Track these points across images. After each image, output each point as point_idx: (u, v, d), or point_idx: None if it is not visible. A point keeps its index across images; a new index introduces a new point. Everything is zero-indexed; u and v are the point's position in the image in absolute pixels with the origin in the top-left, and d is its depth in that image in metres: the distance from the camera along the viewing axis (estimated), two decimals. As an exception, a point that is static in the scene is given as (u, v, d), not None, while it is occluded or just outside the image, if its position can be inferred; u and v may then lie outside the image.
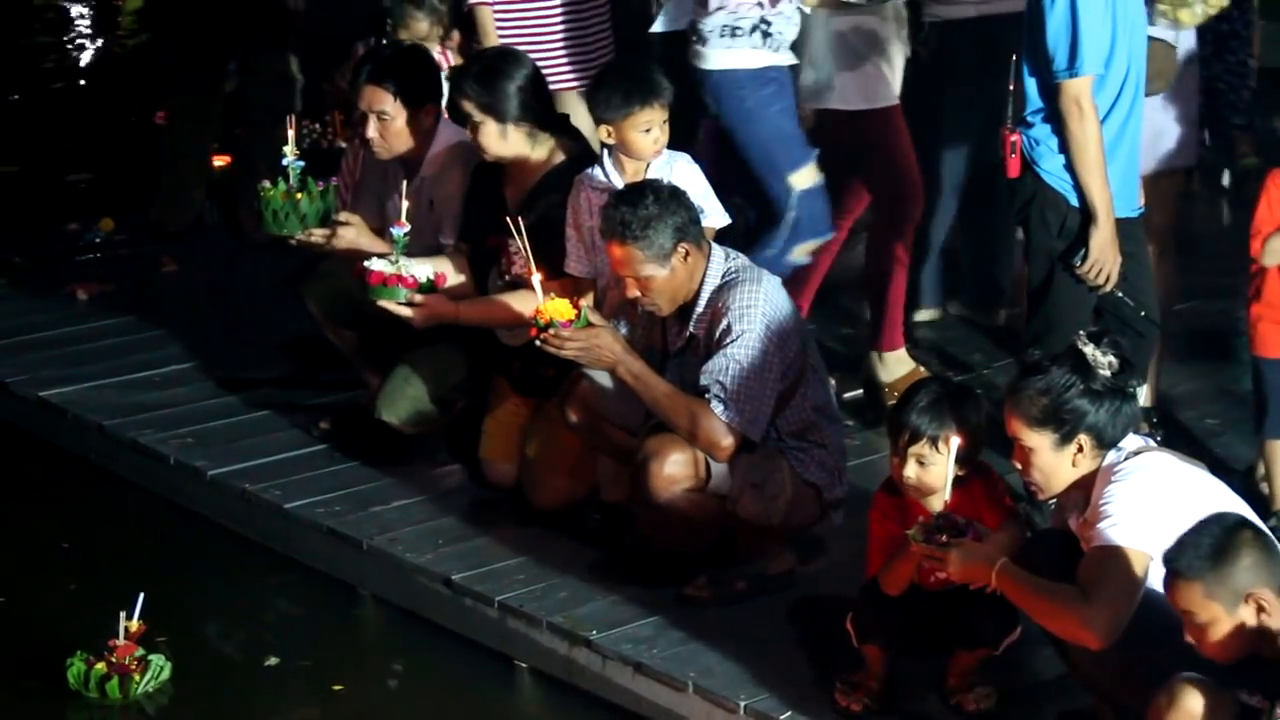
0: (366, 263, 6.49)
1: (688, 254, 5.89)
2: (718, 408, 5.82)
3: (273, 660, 6.21)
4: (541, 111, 6.68)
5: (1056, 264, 6.19)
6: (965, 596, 5.22)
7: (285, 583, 6.74)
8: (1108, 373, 5.08)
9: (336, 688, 6.05)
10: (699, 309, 5.95)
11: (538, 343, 5.93)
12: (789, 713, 5.44)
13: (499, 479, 6.79)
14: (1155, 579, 4.92)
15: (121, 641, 5.90)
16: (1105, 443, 5.08)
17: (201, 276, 9.13)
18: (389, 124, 6.85)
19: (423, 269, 6.51)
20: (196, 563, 6.90)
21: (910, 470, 5.35)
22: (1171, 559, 4.55)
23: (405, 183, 6.71)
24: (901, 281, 7.54)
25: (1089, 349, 5.11)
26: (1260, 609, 4.48)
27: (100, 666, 5.89)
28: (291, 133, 6.87)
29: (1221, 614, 4.49)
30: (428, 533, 6.58)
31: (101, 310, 8.71)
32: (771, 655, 5.73)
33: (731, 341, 5.83)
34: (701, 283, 5.94)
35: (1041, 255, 6.23)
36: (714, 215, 6.43)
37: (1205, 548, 4.51)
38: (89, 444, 7.56)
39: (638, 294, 5.92)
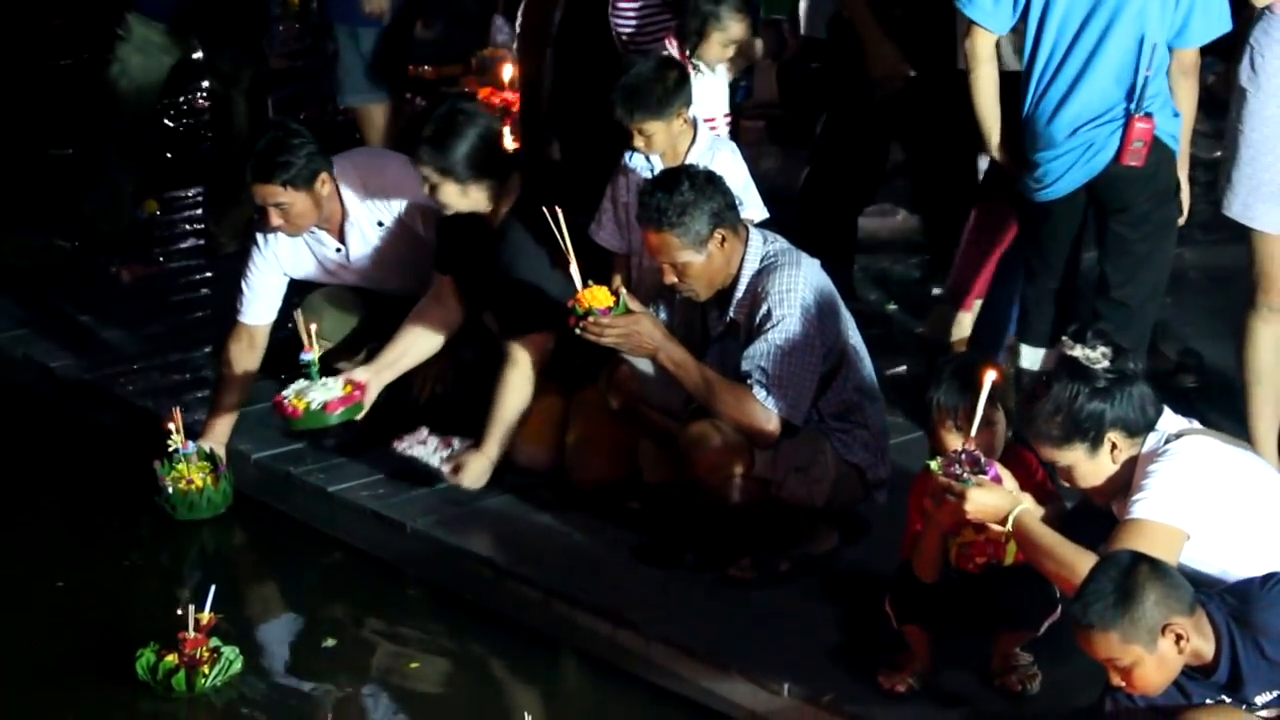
0: (283, 395, 6.67)
1: (724, 239, 5.87)
2: (760, 393, 5.80)
3: (330, 642, 6.23)
4: (497, 164, 6.60)
5: (1170, 231, 6.20)
6: (1004, 577, 5.21)
7: (331, 564, 6.77)
8: (1105, 363, 5.04)
9: (413, 665, 6.11)
10: (738, 294, 5.94)
11: (577, 331, 5.93)
12: (833, 694, 5.44)
13: (532, 463, 6.75)
14: (1192, 558, 4.94)
15: (191, 634, 5.84)
16: (1135, 430, 5.05)
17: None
18: (290, 209, 6.89)
19: (321, 395, 6.63)
20: (242, 544, 6.96)
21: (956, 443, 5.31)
22: (1081, 615, 4.57)
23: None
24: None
25: (1077, 350, 5.06)
26: (1178, 638, 4.55)
27: (170, 658, 5.83)
28: (174, 424, 6.88)
29: (1142, 653, 4.55)
30: (470, 515, 6.58)
31: (146, 292, 8.72)
32: (816, 636, 5.74)
33: (772, 326, 5.81)
34: (740, 268, 5.93)
35: (1162, 230, 6.21)
36: (753, 208, 6.42)
37: (1110, 595, 4.54)
38: (133, 426, 7.56)
39: (675, 280, 5.92)
